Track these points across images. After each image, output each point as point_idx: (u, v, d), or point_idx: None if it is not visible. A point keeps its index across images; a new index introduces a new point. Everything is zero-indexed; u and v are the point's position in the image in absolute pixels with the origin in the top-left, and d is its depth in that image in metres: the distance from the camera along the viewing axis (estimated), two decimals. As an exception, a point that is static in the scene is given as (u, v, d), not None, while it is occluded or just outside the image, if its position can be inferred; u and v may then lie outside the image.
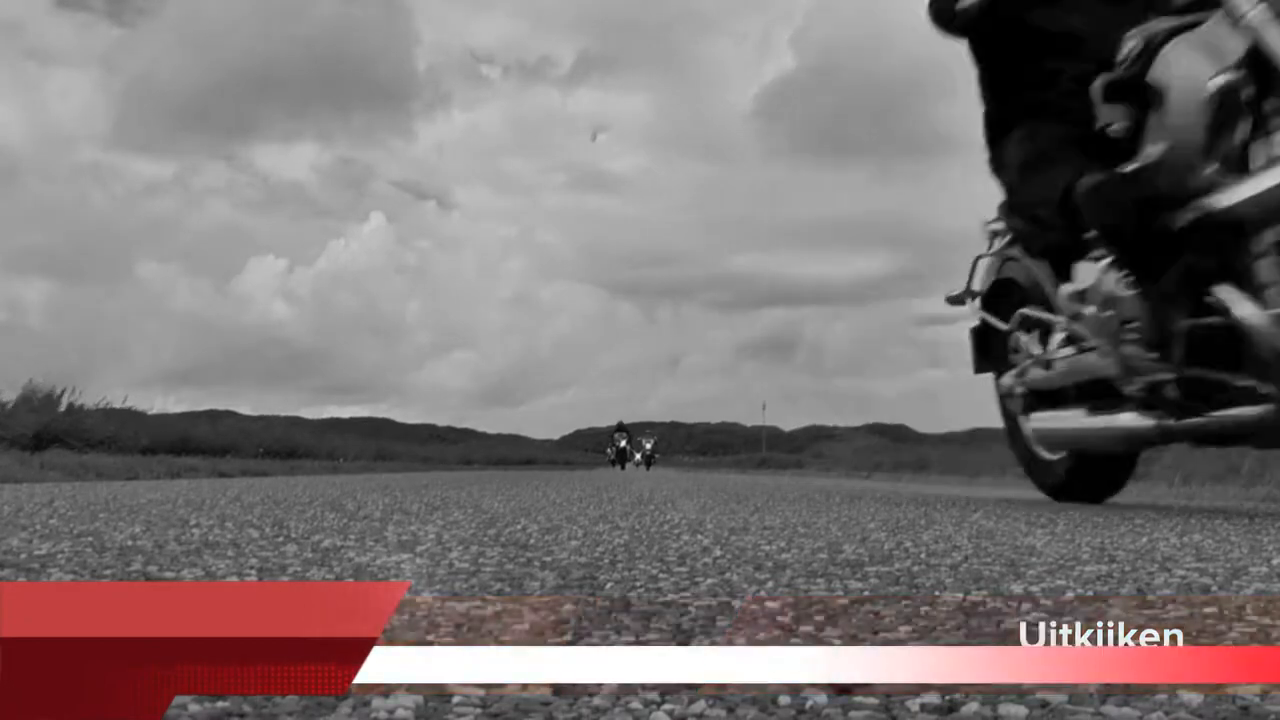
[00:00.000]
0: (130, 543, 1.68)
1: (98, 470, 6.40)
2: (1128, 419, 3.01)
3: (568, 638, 0.87)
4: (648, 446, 31.59)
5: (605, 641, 0.84)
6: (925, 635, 0.89)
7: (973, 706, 0.63)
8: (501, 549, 1.63)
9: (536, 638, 0.87)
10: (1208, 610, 1.05)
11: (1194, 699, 0.66)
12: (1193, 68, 2.60)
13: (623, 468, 27.12)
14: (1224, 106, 2.52)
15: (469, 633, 0.89)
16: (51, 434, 7.93)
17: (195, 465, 8.01)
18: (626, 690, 0.67)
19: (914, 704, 0.64)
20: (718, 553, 1.61)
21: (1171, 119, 2.66)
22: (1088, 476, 3.58)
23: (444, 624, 0.93)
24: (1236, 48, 2.48)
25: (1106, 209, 2.69)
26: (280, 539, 1.79)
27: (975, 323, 3.78)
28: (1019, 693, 0.67)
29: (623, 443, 30.62)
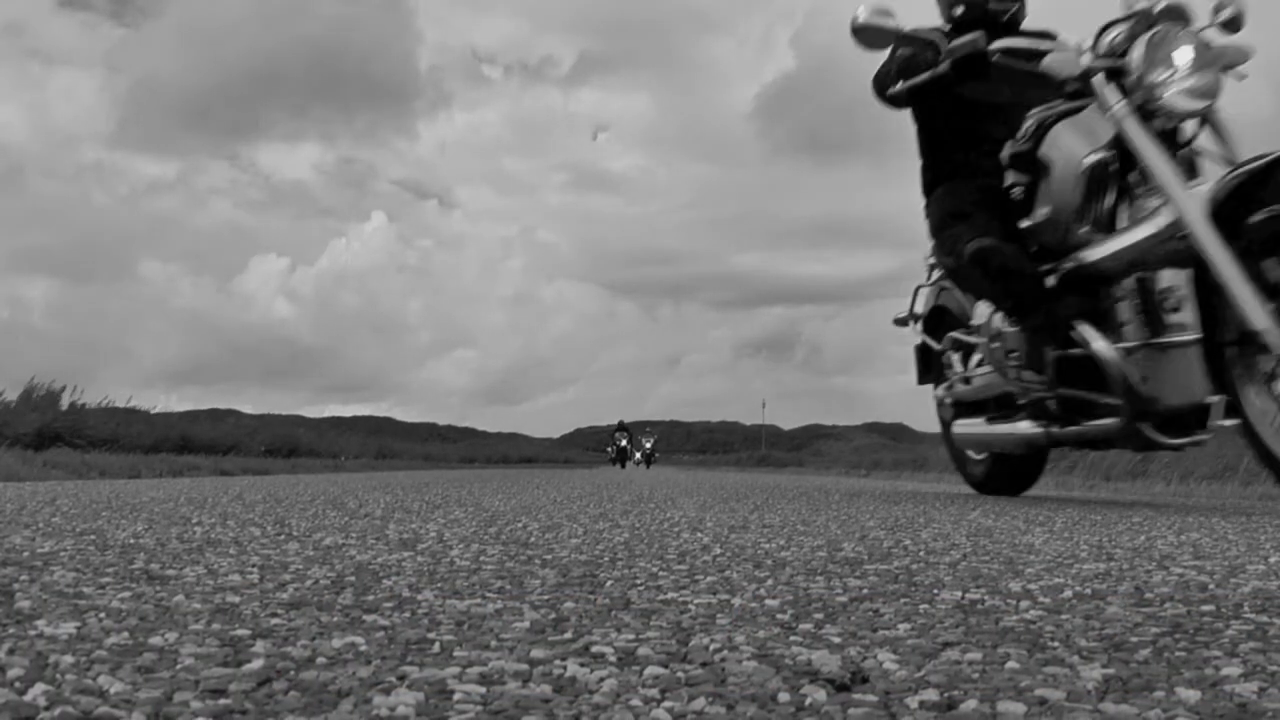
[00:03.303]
0: (133, 541, 1.68)
1: (100, 469, 6.41)
2: (1024, 427, 3.67)
3: (568, 635, 0.87)
4: (647, 445, 31.96)
5: (605, 639, 0.85)
6: (924, 633, 0.89)
7: (971, 704, 0.64)
8: (502, 547, 1.64)
9: (537, 635, 0.87)
10: (1205, 608, 1.05)
11: (1192, 696, 0.66)
12: (1072, 146, 3.22)
13: (623, 466, 27.25)
14: (1095, 179, 3.14)
15: (470, 630, 0.89)
16: (54, 432, 7.94)
17: (197, 464, 8.01)
18: (626, 687, 0.68)
19: (913, 701, 0.64)
20: (717, 550, 1.61)
21: (1055, 187, 3.28)
22: (1004, 473, 4.26)
23: (445, 621, 0.93)
24: (1106, 132, 3.10)
25: (981, 275, 3.47)
26: (282, 537, 1.80)
27: (918, 341, 4.47)
28: (1017, 690, 0.67)
29: (623, 442, 30.98)
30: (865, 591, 1.15)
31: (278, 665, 0.73)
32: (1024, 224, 3.44)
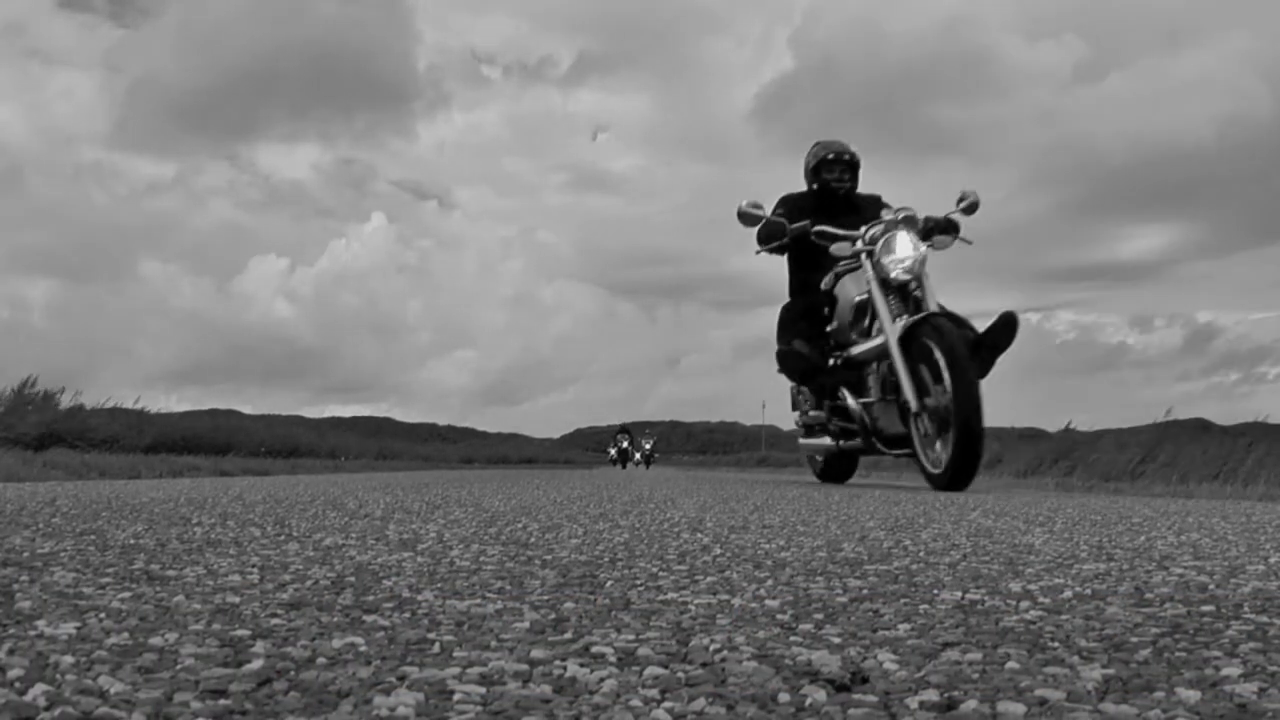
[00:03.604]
0: (133, 541, 1.68)
1: (100, 469, 6.41)
2: (825, 441, 6.25)
3: (568, 635, 0.87)
4: (647, 446, 32.63)
5: (606, 639, 0.85)
6: (924, 633, 0.89)
7: (971, 704, 0.64)
8: (502, 547, 1.64)
9: (537, 635, 0.87)
10: (1205, 608, 1.05)
11: (1192, 696, 0.66)
12: (850, 289, 5.61)
13: (624, 467, 27.76)
14: (860, 309, 5.51)
15: (470, 630, 0.89)
16: (54, 433, 7.94)
17: (197, 464, 8.01)
18: (627, 688, 0.68)
19: (913, 701, 0.64)
20: (717, 551, 1.61)
21: (841, 311, 5.72)
22: (832, 469, 6.83)
23: (445, 622, 0.93)
24: (866, 282, 5.34)
25: (785, 362, 6.07)
26: (282, 537, 1.80)
27: (791, 386, 6.81)
28: (1017, 690, 0.67)
29: (625, 443, 31.75)
30: (865, 592, 1.15)
31: (278, 665, 0.73)
32: (828, 328, 5.89)
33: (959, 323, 4.83)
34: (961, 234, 5.63)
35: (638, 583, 1.21)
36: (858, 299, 5.45)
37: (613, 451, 33.07)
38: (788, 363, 5.99)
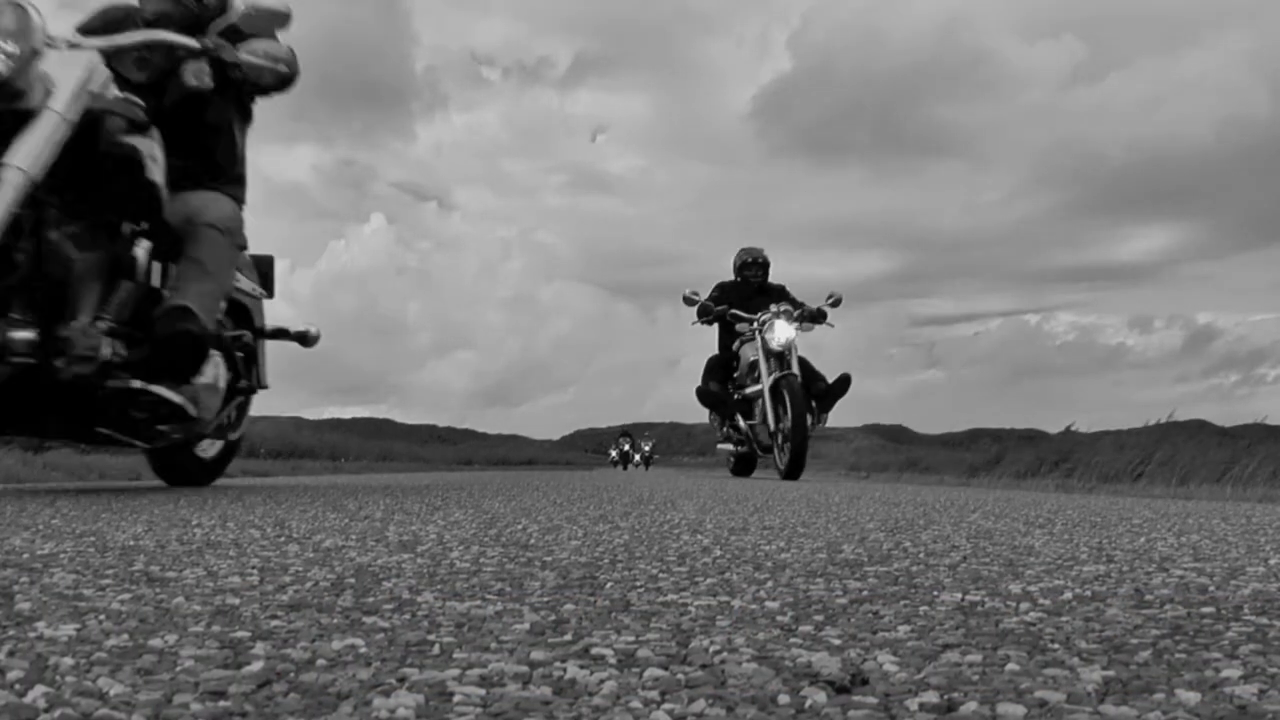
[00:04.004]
0: (132, 543, 1.68)
1: (100, 470, 6.41)
2: (731, 447, 8.93)
3: (568, 637, 0.87)
4: (646, 448, 33.32)
5: (605, 641, 0.85)
6: (924, 634, 0.89)
7: (971, 705, 0.64)
8: (502, 549, 1.64)
9: (537, 637, 0.87)
10: (1205, 610, 1.05)
11: (1191, 698, 0.66)
12: (748, 352, 8.24)
13: (625, 468, 28.26)
14: (752, 365, 8.04)
15: (470, 632, 0.89)
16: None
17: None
18: (626, 689, 0.68)
19: (913, 703, 0.64)
20: (717, 552, 1.61)
21: (741, 365, 8.37)
22: (739, 467, 9.01)
23: (445, 623, 0.93)
24: (757, 349, 8.00)
25: (703, 396, 8.75)
26: (282, 539, 1.80)
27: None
28: (1017, 691, 0.67)
29: (626, 446, 32.53)
30: (865, 593, 1.15)
31: (277, 667, 0.73)
32: (734, 376, 8.56)
33: (814, 376, 7.94)
34: (827, 320, 8.39)
35: (638, 584, 1.21)
36: (751, 359, 8.15)
37: (614, 454, 33.86)
38: (705, 397, 8.83)
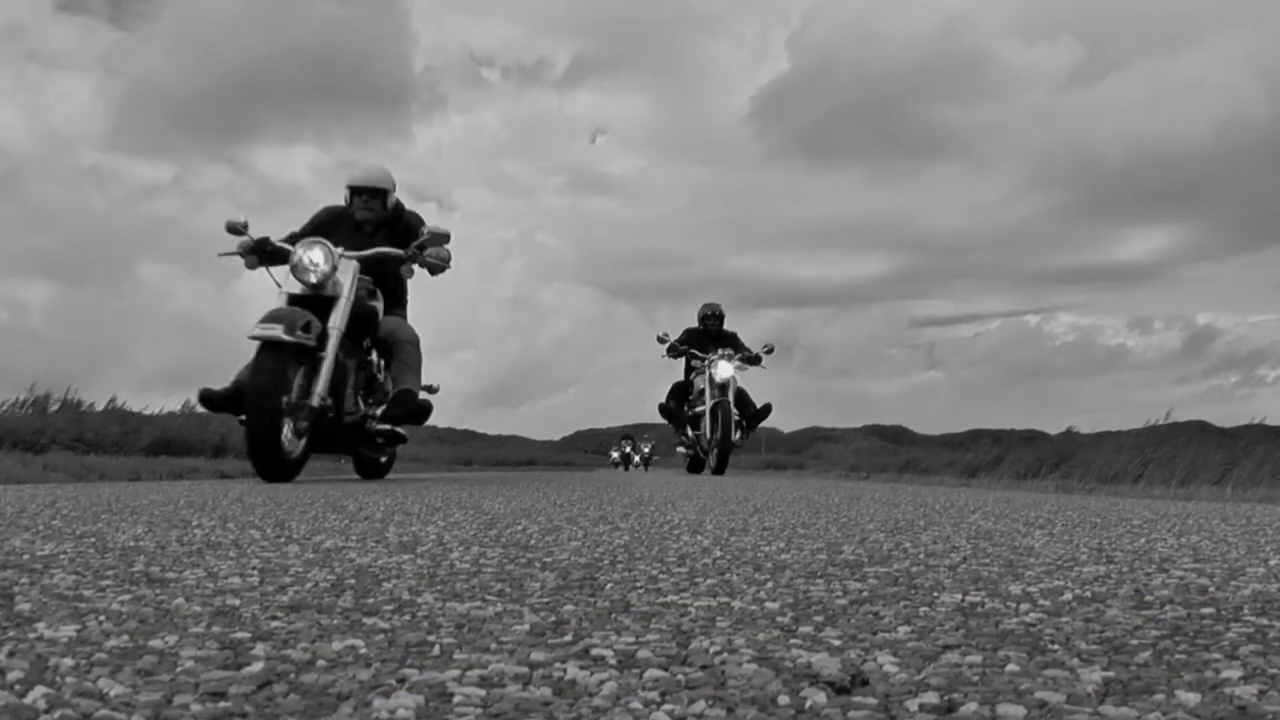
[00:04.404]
0: (132, 544, 1.68)
1: (100, 471, 6.40)
2: (684, 450, 11.73)
3: (568, 638, 0.87)
4: (645, 450, 33.74)
5: (605, 642, 0.85)
6: (924, 635, 0.89)
7: (971, 706, 0.64)
8: (502, 550, 1.64)
9: (537, 638, 0.87)
10: (1205, 611, 1.05)
11: (1191, 699, 0.66)
12: (699, 381, 11.03)
13: (627, 469, 28.96)
14: (702, 391, 10.88)
15: (470, 633, 0.89)
16: (54, 435, 7.93)
17: (197, 466, 8.00)
18: (627, 690, 0.68)
19: (913, 704, 0.64)
20: (717, 553, 1.61)
21: (695, 390, 11.13)
22: (693, 467, 11.38)
23: (445, 624, 0.93)
24: (706, 380, 10.81)
25: (665, 411, 11.54)
26: (282, 540, 1.80)
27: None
28: (1017, 692, 0.67)
29: (628, 448, 33.22)
30: (865, 594, 1.15)
31: (278, 668, 0.73)
32: (690, 397, 11.18)
33: (747, 404, 10.75)
34: (761, 364, 11.10)
35: (638, 585, 1.21)
36: (701, 387, 10.85)
37: (615, 455, 34.39)
38: (665, 412, 11.47)
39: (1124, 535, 2.12)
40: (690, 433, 11.23)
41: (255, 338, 4.77)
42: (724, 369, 10.63)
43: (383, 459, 6.69)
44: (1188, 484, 6.05)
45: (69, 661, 0.74)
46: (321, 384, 5.07)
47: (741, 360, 10.99)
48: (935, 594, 1.16)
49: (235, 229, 5.59)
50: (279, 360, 4.80)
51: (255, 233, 5.57)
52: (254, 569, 1.34)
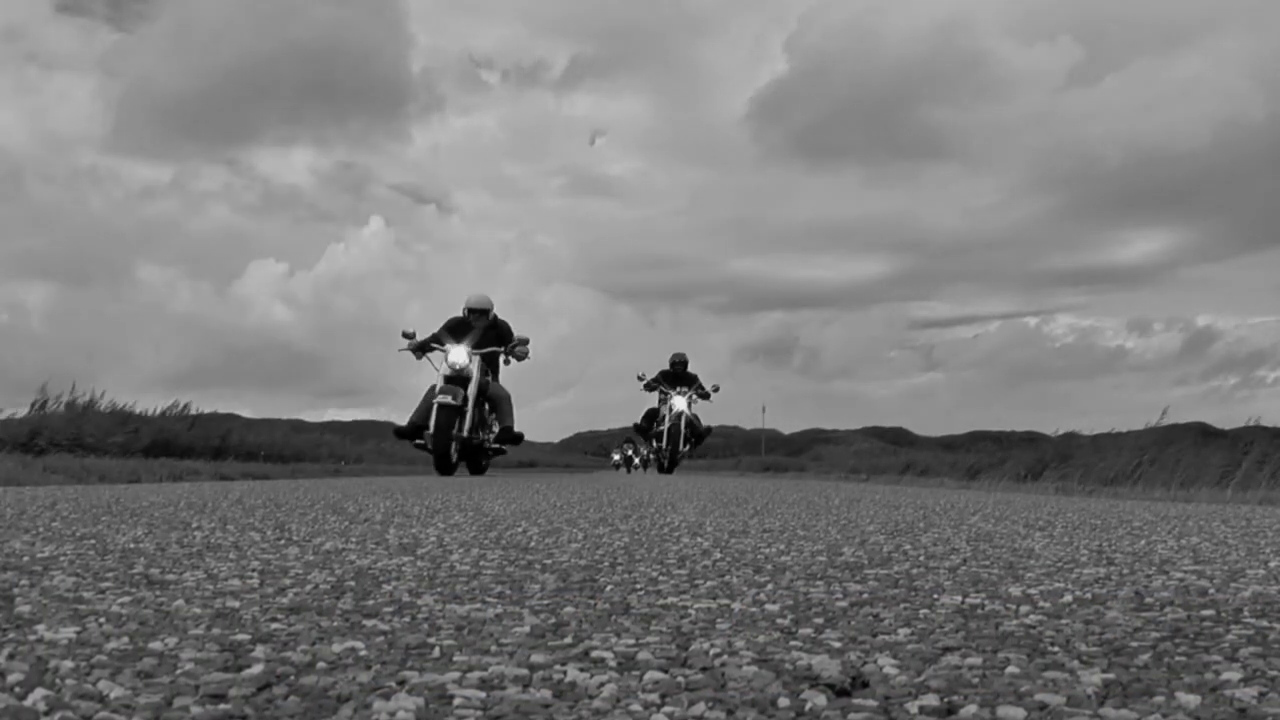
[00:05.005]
0: (132, 545, 1.68)
1: (100, 473, 6.41)
2: (650, 456, 18.94)
3: (568, 640, 0.87)
4: (645, 451, 34.02)
5: (606, 644, 0.84)
6: (924, 637, 0.89)
7: (971, 708, 0.64)
8: (502, 552, 1.64)
9: (537, 640, 0.87)
10: (1205, 612, 1.05)
11: (1191, 700, 0.66)
12: (664, 408, 15.71)
13: (629, 471, 29.47)
14: (664, 414, 15.74)
15: (470, 635, 0.89)
16: (53, 437, 7.93)
17: (197, 468, 8.00)
18: (627, 692, 0.68)
19: (913, 706, 0.64)
20: (717, 555, 1.61)
21: (663, 413, 15.72)
22: (655, 468, 16.47)
23: (445, 626, 0.93)
24: (669, 407, 15.68)
25: (637, 430, 16.80)
26: (282, 542, 1.80)
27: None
28: (1017, 694, 0.67)
29: (629, 450, 33.64)
30: (865, 596, 1.15)
31: (278, 670, 0.73)
32: (658, 418, 15.76)
33: (695, 427, 15.30)
34: (710, 399, 15.43)
35: (638, 587, 1.21)
36: (664, 411, 15.02)
37: (617, 456, 34.81)
38: (639, 429, 15.93)
39: (1124, 537, 2.12)
40: (654, 444, 16.08)
41: (438, 404, 8.94)
42: (679, 403, 15.30)
43: (484, 464, 10.36)
44: (1187, 486, 6.05)
45: (69, 663, 0.74)
46: (467, 425, 9.21)
47: (695, 394, 15.56)
48: (935, 596, 1.16)
49: (406, 335, 9.68)
50: (449, 414, 9.01)
51: (410, 330, 9.79)
52: (254, 571, 1.34)
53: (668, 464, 15.32)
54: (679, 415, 15.30)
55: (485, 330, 10.12)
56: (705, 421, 16.25)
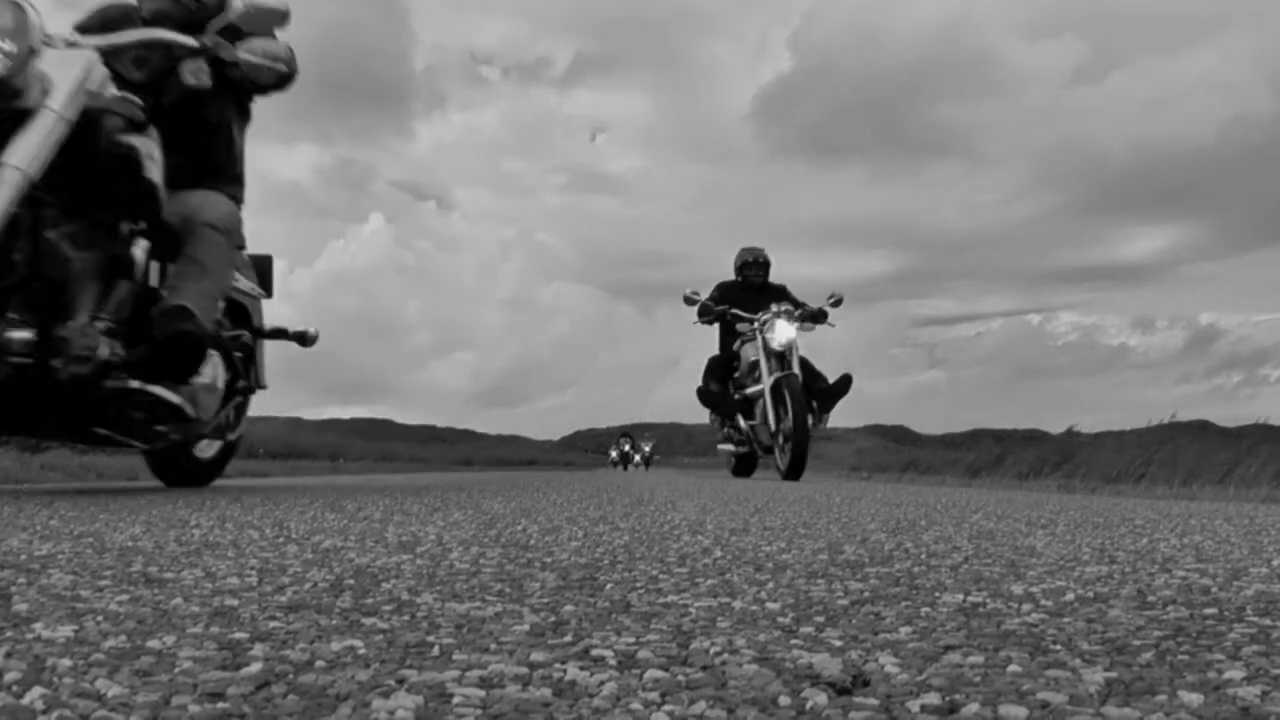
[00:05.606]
0: (130, 543, 1.68)
1: (98, 471, 6.40)
2: (731, 447, 9.03)
3: (568, 638, 0.87)
4: (646, 449, 33.43)
5: (606, 642, 0.84)
6: (926, 636, 0.89)
7: (973, 707, 0.63)
8: (502, 550, 1.63)
9: (537, 638, 0.87)
10: (1208, 611, 1.05)
11: (1194, 699, 0.66)
12: (749, 352, 8.16)
13: (626, 469, 28.39)
14: (753, 365, 8.06)
15: (469, 633, 0.89)
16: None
17: (196, 466, 7.99)
18: (627, 691, 0.67)
19: (914, 704, 0.64)
20: (718, 553, 1.61)
21: (743, 364, 8.31)
22: (740, 467, 9.05)
23: (444, 624, 0.93)
24: (758, 350, 7.98)
25: (704, 396, 8.91)
26: (281, 539, 1.79)
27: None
28: (1019, 693, 0.67)
29: (626, 447, 32.69)
30: (866, 594, 1.15)
31: (276, 669, 0.73)
32: (735, 375, 8.53)
33: (815, 376, 8.01)
34: (828, 320, 8.41)
35: (638, 585, 1.21)
36: (752, 359, 8.12)
37: (614, 454, 33.93)
38: (705, 397, 8.94)
39: (1126, 535, 2.11)
40: (743, 423, 8.32)
41: None
42: (783, 331, 7.62)
43: (194, 447, 3.98)
44: (1190, 484, 6.05)
45: (66, 662, 0.74)
46: None
47: (804, 319, 8.06)
48: (937, 594, 1.15)
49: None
50: None
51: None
52: (252, 569, 1.34)
53: (791, 457, 7.27)
54: (784, 355, 7.72)
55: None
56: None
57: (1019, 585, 1.24)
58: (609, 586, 1.19)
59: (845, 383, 8.01)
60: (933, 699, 0.65)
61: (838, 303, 8.48)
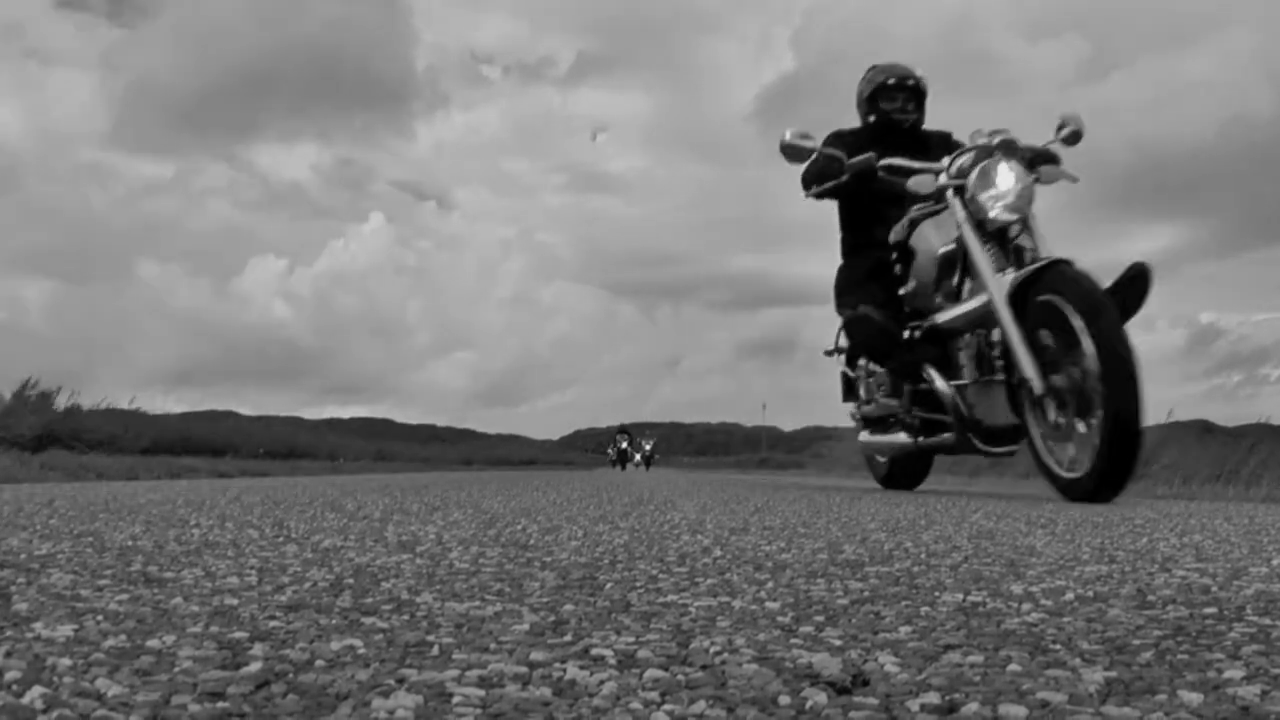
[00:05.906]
0: (130, 543, 1.68)
1: (98, 471, 6.40)
2: (900, 437, 4.94)
3: (568, 637, 0.87)
4: (647, 448, 32.79)
5: (605, 642, 0.84)
6: (925, 635, 0.89)
7: (973, 706, 0.63)
8: (501, 549, 1.63)
9: (537, 638, 0.87)
10: (1208, 610, 1.05)
11: (1194, 699, 0.66)
12: (931, 239, 4.45)
13: (623, 468, 27.77)
14: (946, 263, 4.35)
15: (469, 632, 0.89)
16: (51, 434, 7.93)
17: (195, 465, 8.00)
18: (626, 690, 0.67)
19: (914, 704, 0.64)
20: (718, 553, 1.61)
21: (920, 267, 4.54)
22: (900, 472, 5.55)
23: (444, 624, 0.93)
24: (954, 231, 4.21)
25: (857, 331, 4.83)
26: (280, 539, 1.79)
27: (841, 369, 5.61)
28: (1019, 692, 0.67)
29: (624, 444, 31.93)
30: (866, 594, 1.15)
31: (276, 668, 0.73)
32: (901, 291, 4.71)
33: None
34: (1061, 167, 4.27)
35: (637, 585, 1.21)
36: (942, 251, 4.24)
37: (611, 452, 33.23)
38: (860, 332, 4.71)
39: (1126, 535, 2.11)
40: (938, 380, 4.40)
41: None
42: (1008, 182, 4.01)
43: None
44: (1190, 483, 6.05)
45: (66, 661, 0.74)
46: None
47: (1036, 161, 4.20)
48: (937, 593, 1.15)
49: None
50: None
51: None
52: (252, 568, 1.34)
53: (1111, 442, 3.31)
54: (1004, 230, 3.92)
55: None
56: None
57: (1019, 585, 1.24)
58: (609, 586, 1.19)
59: (1138, 281, 3.72)
60: (932, 698, 0.65)
61: (1074, 137, 4.41)
